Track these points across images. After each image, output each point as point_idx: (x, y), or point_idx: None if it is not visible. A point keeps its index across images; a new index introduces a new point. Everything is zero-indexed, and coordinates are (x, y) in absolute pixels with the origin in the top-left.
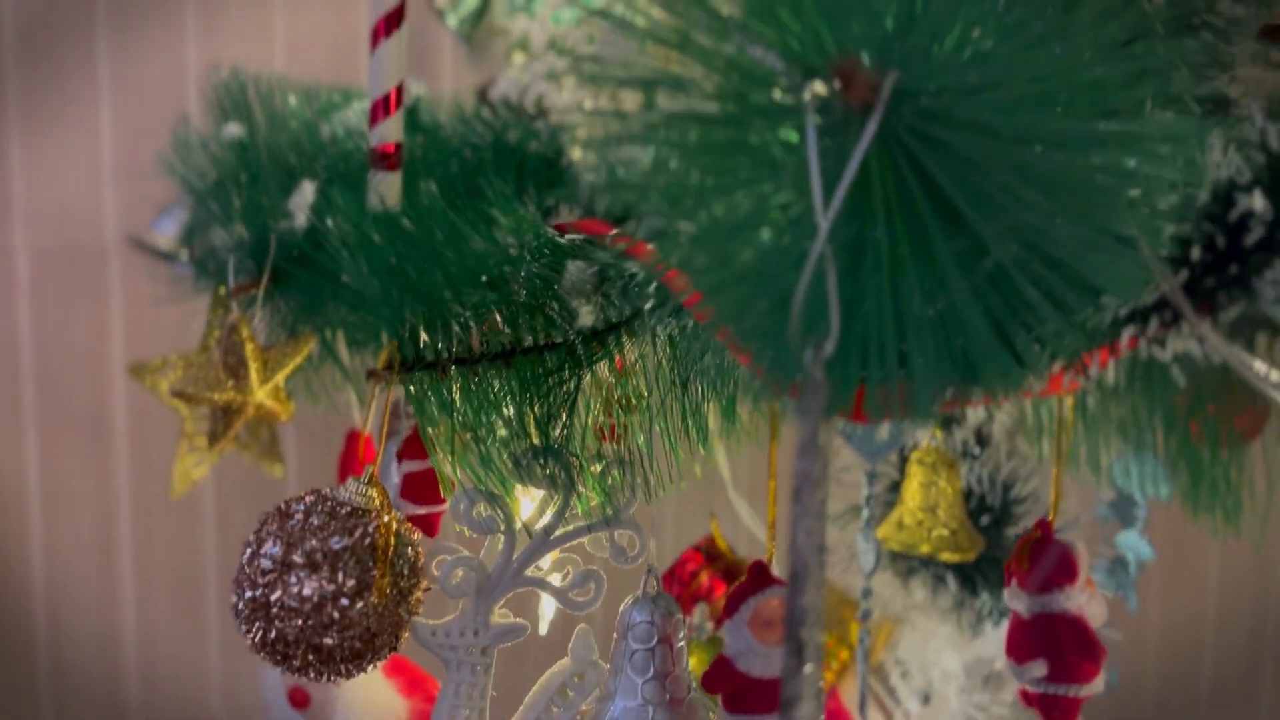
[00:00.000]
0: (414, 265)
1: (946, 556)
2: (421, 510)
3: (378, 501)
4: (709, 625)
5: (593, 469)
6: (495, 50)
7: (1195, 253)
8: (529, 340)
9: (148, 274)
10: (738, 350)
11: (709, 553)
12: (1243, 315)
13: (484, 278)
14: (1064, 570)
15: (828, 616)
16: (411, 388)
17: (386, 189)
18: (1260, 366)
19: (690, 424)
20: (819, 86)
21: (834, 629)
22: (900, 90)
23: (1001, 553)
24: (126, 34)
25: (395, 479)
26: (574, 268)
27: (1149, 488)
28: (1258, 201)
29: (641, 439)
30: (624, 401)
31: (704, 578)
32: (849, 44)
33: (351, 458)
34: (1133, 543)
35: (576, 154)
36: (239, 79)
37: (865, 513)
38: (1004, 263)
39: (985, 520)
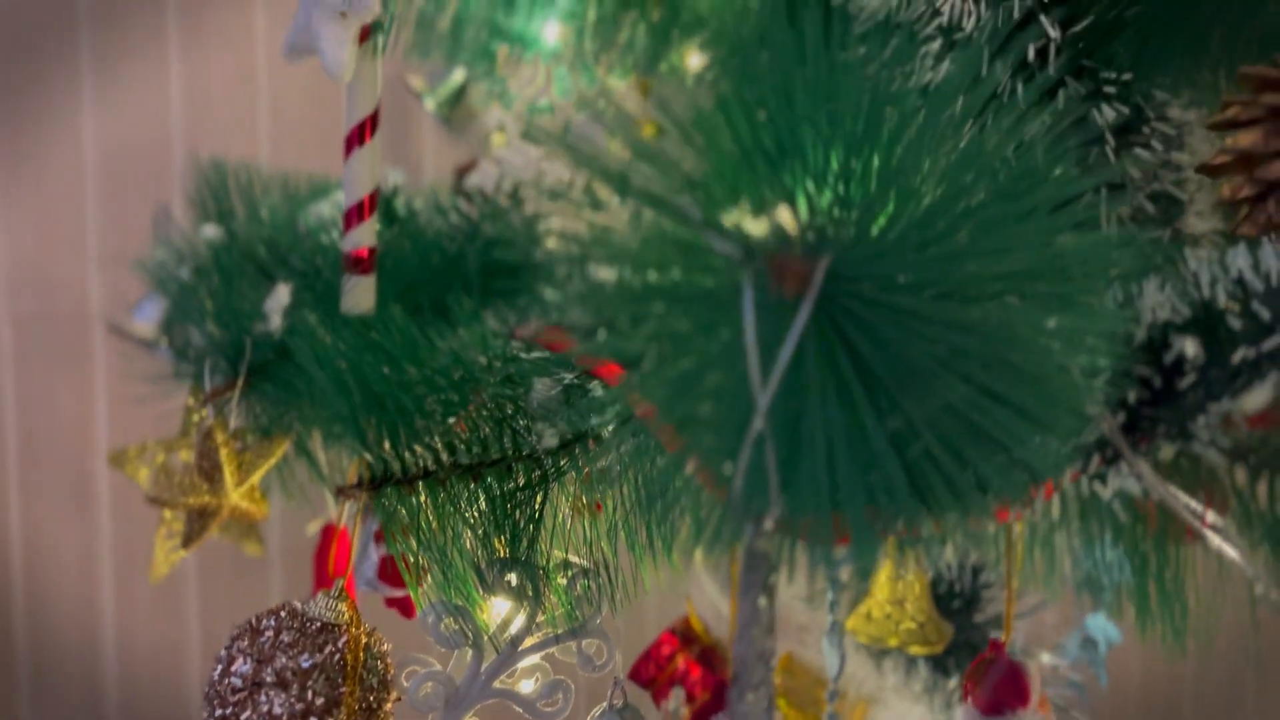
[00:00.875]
0: (379, 381)
1: (915, 650)
2: (399, 593)
3: (347, 616)
4: (684, 711)
5: (559, 579)
6: (475, 130)
7: (1132, 396)
8: (496, 453)
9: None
10: (703, 476)
11: (684, 635)
12: (1181, 452)
13: (450, 394)
14: (1016, 693)
15: (801, 695)
16: (382, 502)
17: (360, 294)
18: (1196, 506)
19: (656, 535)
20: (752, 273)
21: (807, 709)
22: (834, 275)
23: (973, 635)
24: (109, 102)
25: (373, 558)
26: (540, 386)
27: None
28: (1190, 347)
29: (608, 548)
30: (590, 510)
31: (679, 661)
32: (783, 230)
33: (326, 555)
34: (1101, 625)
35: (551, 242)
36: (220, 171)
37: (830, 618)
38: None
39: (955, 604)
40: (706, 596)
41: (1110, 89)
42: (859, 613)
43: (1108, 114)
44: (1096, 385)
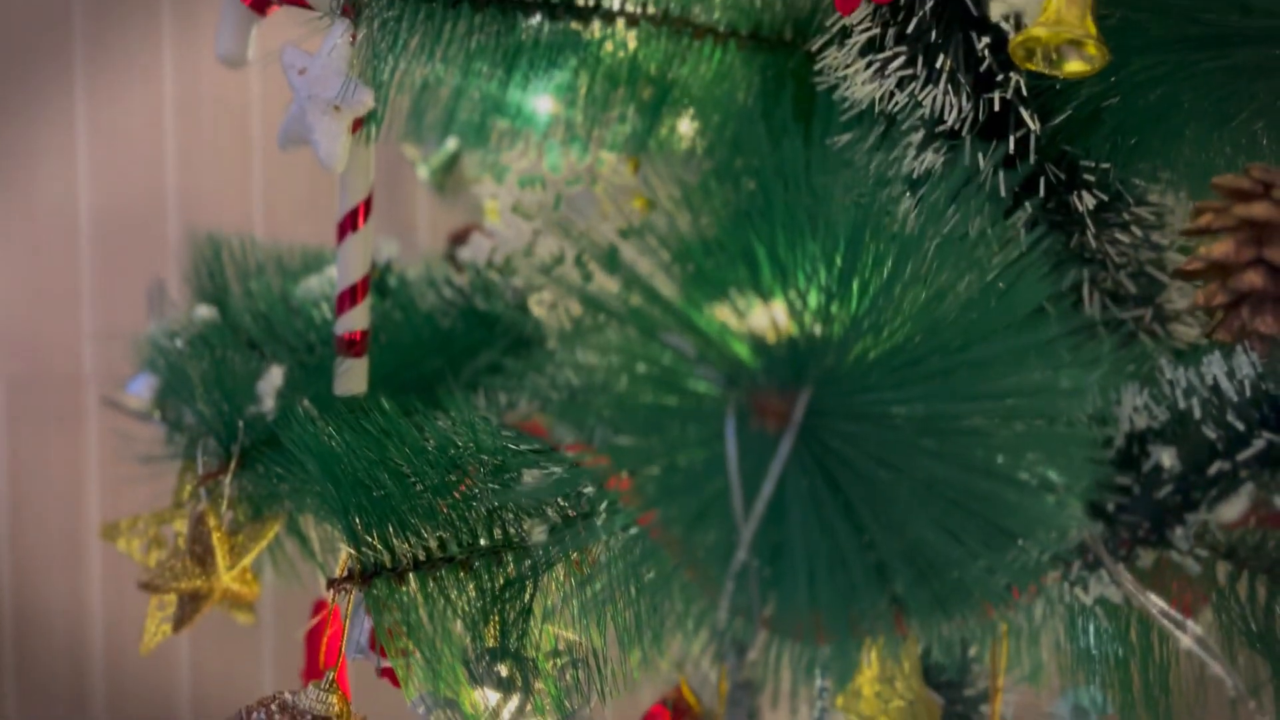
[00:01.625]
0: (369, 472)
1: None
2: (390, 662)
3: (338, 709)
4: None
5: (548, 667)
6: (468, 197)
7: (1111, 504)
8: (484, 542)
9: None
10: (692, 573)
11: (676, 707)
12: (1159, 560)
13: (439, 485)
14: None
15: None
16: (373, 591)
17: (352, 377)
18: (1176, 615)
19: (646, 625)
20: (735, 405)
21: None
22: (814, 409)
23: (964, 708)
24: (103, 161)
25: (365, 625)
26: (529, 478)
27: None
28: (1167, 458)
29: (597, 636)
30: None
31: None
32: (768, 363)
33: (319, 634)
34: (1092, 693)
35: (539, 311)
36: (215, 245)
37: (818, 705)
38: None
39: (945, 677)
40: (698, 667)
41: (1089, 176)
42: (849, 689)
43: (1087, 200)
44: (1075, 500)
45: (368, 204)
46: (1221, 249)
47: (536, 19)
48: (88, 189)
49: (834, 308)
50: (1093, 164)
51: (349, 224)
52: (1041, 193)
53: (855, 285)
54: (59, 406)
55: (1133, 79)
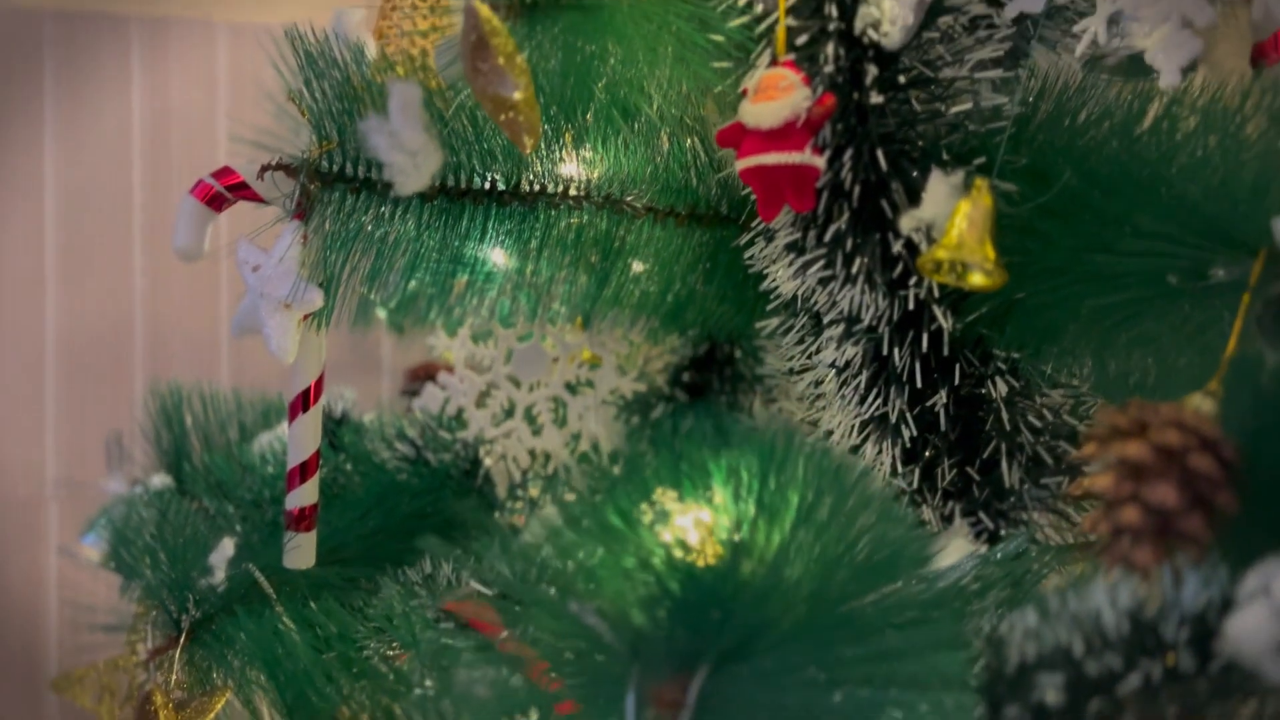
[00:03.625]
0: (308, 662)
1: None
2: None
3: None
4: None
5: None
6: (425, 336)
7: None
8: None
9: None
10: None
11: None
12: None
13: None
14: None
15: None
16: None
17: (301, 552)
18: None
19: None
20: (635, 682)
21: None
22: (706, 693)
23: None
24: (73, 281)
25: None
26: (463, 677)
27: None
28: (1050, 693)
29: None
30: None
31: None
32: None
33: None
34: None
35: (489, 463)
36: (175, 396)
37: None
38: None
39: None
40: None
41: (1002, 364)
42: None
43: (1001, 387)
44: None
45: (319, 384)
46: (1102, 483)
47: (485, 205)
48: (54, 306)
49: (734, 573)
50: (1005, 353)
51: (299, 404)
52: (956, 379)
53: (754, 550)
54: (20, 527)
55: (1036, 287)
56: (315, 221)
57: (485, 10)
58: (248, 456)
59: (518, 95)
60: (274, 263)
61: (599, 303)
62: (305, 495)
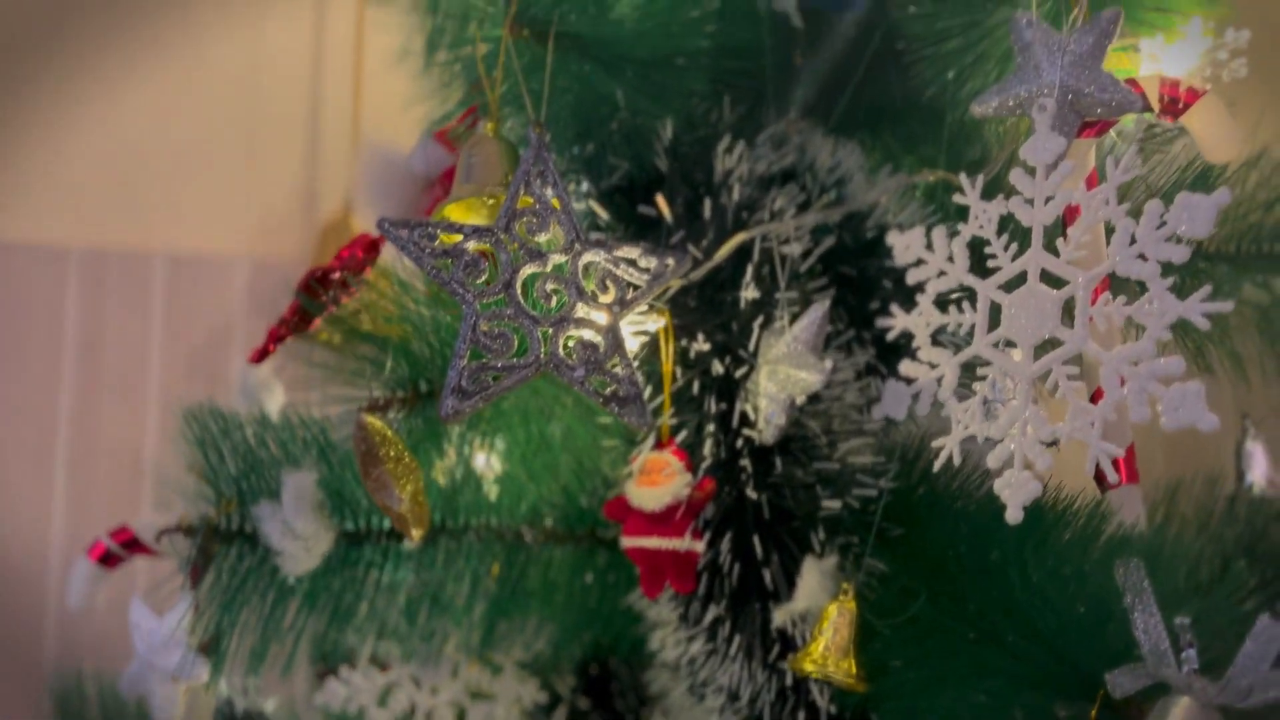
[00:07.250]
0: None
1: None
2: None
3: None
4: None
5: None
6: None
7: None
8: None
9: None
10: None
11: None
12: None
13: None
14: None
15: None
16: None
17: None
18: None
19: None
20: None
21: None
22: None
23: None
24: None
25: None
26: None
27: None
28: None
29: None
30: None
31: None
32: None
33: None
34: None
35: None
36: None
37: None
38: None
39: None
40: None
41: None
42: None
43: None
44: None
45: None
46: None
47: (383, 545)
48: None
49: None
50: None
51: None
52: None
53: None
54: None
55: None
56: (211, 577)
57: (376, 422)
58: None
59: (404, 500)
60: (165, 629)
61: (494, 630)
62: None
